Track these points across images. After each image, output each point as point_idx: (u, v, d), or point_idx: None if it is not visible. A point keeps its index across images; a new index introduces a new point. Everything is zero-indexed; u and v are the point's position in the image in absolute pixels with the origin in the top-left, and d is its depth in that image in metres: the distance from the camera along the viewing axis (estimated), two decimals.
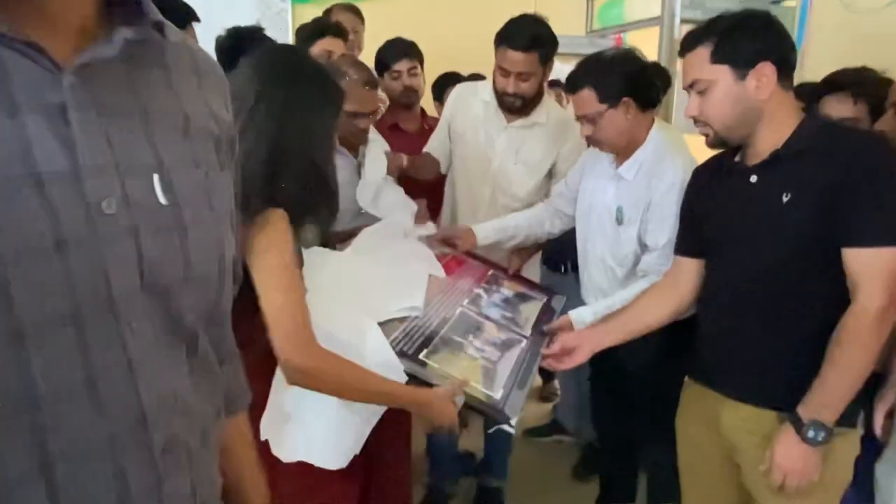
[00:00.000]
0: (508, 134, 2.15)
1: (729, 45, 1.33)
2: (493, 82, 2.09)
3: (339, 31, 2.45)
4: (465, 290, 1.74)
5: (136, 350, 0.56)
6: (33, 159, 0.50)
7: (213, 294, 0.66)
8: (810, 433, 1.27)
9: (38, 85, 0.51)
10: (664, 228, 1.69)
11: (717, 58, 1.34)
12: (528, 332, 1.67)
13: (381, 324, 1.34)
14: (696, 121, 1.43)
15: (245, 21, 2.32)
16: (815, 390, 1.28)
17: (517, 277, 2.00)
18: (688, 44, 1.40)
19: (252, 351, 1.10)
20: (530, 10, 2.07)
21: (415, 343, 1.38)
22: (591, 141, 1.81)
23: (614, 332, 1.65)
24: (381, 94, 2.26)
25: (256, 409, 1.16)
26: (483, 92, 2.19)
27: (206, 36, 2.09)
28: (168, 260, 0.59)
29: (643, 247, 1.78)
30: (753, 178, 1.38)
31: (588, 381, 2.28)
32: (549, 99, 2.21)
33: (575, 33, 4.09)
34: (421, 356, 1.36)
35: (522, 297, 1.85)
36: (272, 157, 1.17)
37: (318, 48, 2.34)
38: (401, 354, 1.30)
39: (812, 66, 2.55)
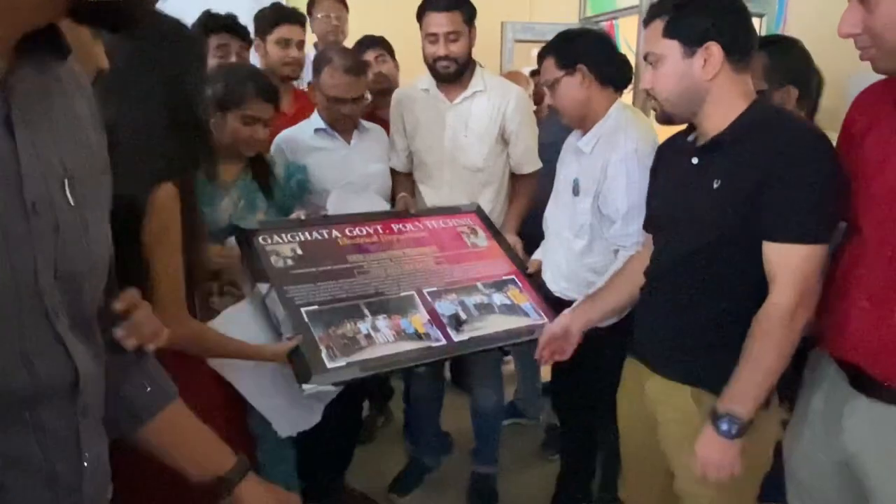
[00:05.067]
0: (454, 112, 2.21)
1: (680, 22, 1.33)
2: (425, 56, 2.17)
3: (297, 18, 2.50)
4: (448, 280, 1.81)
5: (64, 331, 0.65)
6: None
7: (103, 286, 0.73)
8: (724, 426, 1.27)
9: None
10: (620, 197, 1.73)
11: (668, 32, 1.35)
12: (455, 338, 1.68)
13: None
14: (648, 95, 1.44)
15: (239, 10, 2.37)
16: (730, 384, 1.28)
17: (536, 294, 1.93)
18: (649, 15, 1.41)
19: None
20: None
21: (311, 298, 1.59)
22: (553, 110, 1.88)
23: (597, 310, 1.66)
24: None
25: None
26: (420, 83, 2.28)
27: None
28: (76, 254, 0.66)
29: (604, 219, 1.81)
30: (695, 161, 1.38)
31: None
32: (482, 68, 2.27)
33: (568, 20, 4.09)
34: (302, 309, 1.56)
35: (511, 310, 1.82)
36: (165, 120, 1.21)
37: (277, 35, 2.40)
38: (287, 301, 1.56)
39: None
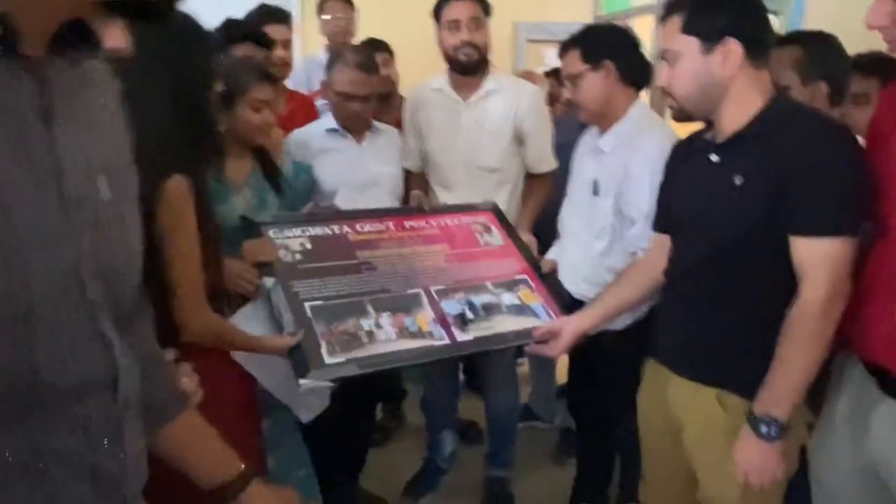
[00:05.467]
0: (468, 111, 2.19)
1: (699, 18, 1.32)
2: (444, 48, 2.15)
3: (282, 17, 2.47)
4: (457, 278, 1.77)
5: (105, 325, 0.66)
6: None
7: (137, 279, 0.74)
8: (763, 429, 1.25)
9: (27, 89, 0.58)
10: (642, 198, 1.70)
11: (686, 29, 1.33)
12: (459, 338, 1.64)
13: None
14: (664, 92, 1.42)
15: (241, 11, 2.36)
16: (766, 385, 1.26)
17: (548, 295, 1.84)
18: (666, 12, 1.39)
19: None
20: None
21: (316, 294, 1.58)
22: (572, 105, 1.87)
23: (593, 314, 1.64)
24: None
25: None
26: (433, 83, 2.26)
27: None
28: (114, 248, 0.67)
29: (624, 219, 1.78)
30: (714, 158, 1.36)
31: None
32: (496, 68, 2.26)
33: (582, 20, 4.07)
34: (306, 304, 1.55)
35: (519, 310, 1.76)
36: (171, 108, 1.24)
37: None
38: (291, 296, 1.55)
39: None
